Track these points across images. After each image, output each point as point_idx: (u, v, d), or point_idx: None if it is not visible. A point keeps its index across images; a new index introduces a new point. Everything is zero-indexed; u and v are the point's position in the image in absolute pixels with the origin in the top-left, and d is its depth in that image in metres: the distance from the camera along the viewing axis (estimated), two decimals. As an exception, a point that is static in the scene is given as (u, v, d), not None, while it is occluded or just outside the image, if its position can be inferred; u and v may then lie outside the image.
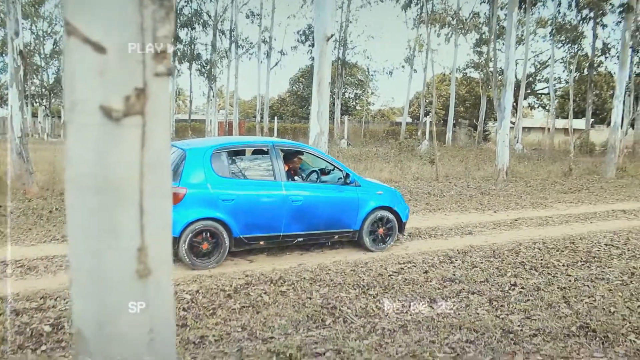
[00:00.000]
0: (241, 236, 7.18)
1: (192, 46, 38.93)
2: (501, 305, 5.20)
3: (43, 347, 4.02)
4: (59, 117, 41.84)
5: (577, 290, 5.75)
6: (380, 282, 5.96)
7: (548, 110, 47.50)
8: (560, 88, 45.59)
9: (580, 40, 32.00)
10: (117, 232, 1.24)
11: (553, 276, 6.40)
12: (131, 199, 1.23)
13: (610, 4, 28.60)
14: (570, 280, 6.20)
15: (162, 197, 1.27)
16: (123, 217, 1.24)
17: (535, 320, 4.67)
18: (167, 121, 1.28)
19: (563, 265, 6.98)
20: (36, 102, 42.67)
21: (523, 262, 7.09)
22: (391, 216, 8.39)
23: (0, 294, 5.32)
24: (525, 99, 42.95)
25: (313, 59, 38.64)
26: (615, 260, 7.33)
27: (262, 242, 7.46)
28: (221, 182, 7.10)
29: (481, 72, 41.26)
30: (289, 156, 8.25)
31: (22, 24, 14.22)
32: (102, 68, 1.19)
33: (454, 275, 6.31)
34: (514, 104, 30.51)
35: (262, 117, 41.14)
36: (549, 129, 39.25)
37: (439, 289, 5.77)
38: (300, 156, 8.45)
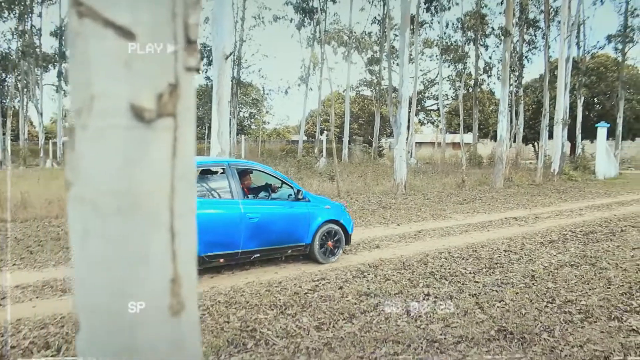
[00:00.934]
0: (203, 255, 7.14)
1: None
2: (419, 316, 5.27)
3: None
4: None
5: (487, 295, 5.97)
6: (297, 300, 5.87)
7: (437, 126, 49.90)
8: (447, 104, 48.09)
9: (465, 60, 34.07)
10: (148, 261, 0.99)
11: (463, 284, 6.62)
12: (161, 220, 1.00)
13: (491, 27, 30.75)
14: (479, 287, 6.43)
15: (190, 217, 1.01)
16: (154, 243, 1.00)
17: (455, 327, 4.77)
18: (195, 125, 1.04)
19: (470, 273, 7.25)
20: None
21: (432, 272, 7.28)
22: (339, 229, 8.71)
23: None
24: (416, 115, 44.85)
25: (207, 78, 37.77)
26: (515, 265, 7.72)
27: (222, 260, 7.49)
28: None
29: (374, 90, 42.62)
30: (243, 174, 8.37)
31: None
32: (129, 58, 0.95)
33: (368, 289, 6.34)
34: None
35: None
36: (439, 143, 41.19)
37: (356, 303, 5.77)
38: (251, 174, 8.66)
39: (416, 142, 44.56)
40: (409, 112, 33.66)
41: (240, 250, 7.64)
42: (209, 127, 43.19)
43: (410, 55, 37.26)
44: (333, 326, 5.03)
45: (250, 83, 49.22)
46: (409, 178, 20.28)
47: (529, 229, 11.57)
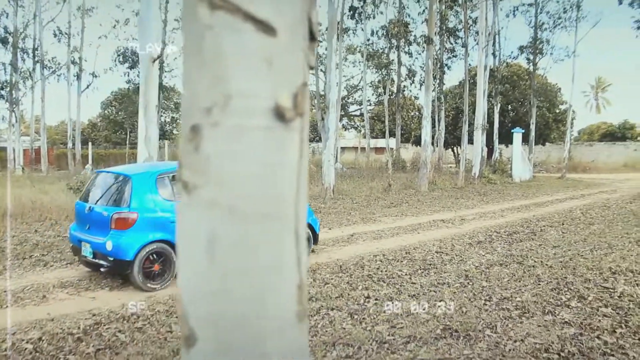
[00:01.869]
0: None
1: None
2: (363, 318, 5.32)
3: None
4: None
5: (426, 296, 6.11)
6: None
7: (360, 131, 50.68)
8: (370, 110, 48.99)
9: (389, 66, 34.84)
10: (281, 267, 0.93)
11: (401, 285, 6.74)
12: (291, 225, 0.94)
13: (414, 35, 31.63)
14: (417, 288, 6.57)
15: (305, 220, 0.97)
16: (286, 248, 0.94)
17: (401, 328, 4.85)
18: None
19: (406, 275, 7.40)
20: None
21: (370, 274, 7.37)
22: (308, 230, 8.62)
23: None
24: (340, 120, 45.39)
25: (129, 81, 36.68)
26: (448, 266, 7.95)
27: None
28: (169, 205, 7.22)
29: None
30: None
31: None
32: (270, 55, 0.88)
33: (309, 293, 6.33)
34: (333, 125, 32.03)
35: (73, 144, 38.22)
36: (362, 148, 41.82)
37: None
38: None
39: (340, 147, 45.13)
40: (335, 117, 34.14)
41: None
42: (130, 133, 41.96)
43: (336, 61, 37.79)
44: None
45: (172, 87, 48.20)
46: (336, 182, 20.48)
47: (457, 230, 11.95)
